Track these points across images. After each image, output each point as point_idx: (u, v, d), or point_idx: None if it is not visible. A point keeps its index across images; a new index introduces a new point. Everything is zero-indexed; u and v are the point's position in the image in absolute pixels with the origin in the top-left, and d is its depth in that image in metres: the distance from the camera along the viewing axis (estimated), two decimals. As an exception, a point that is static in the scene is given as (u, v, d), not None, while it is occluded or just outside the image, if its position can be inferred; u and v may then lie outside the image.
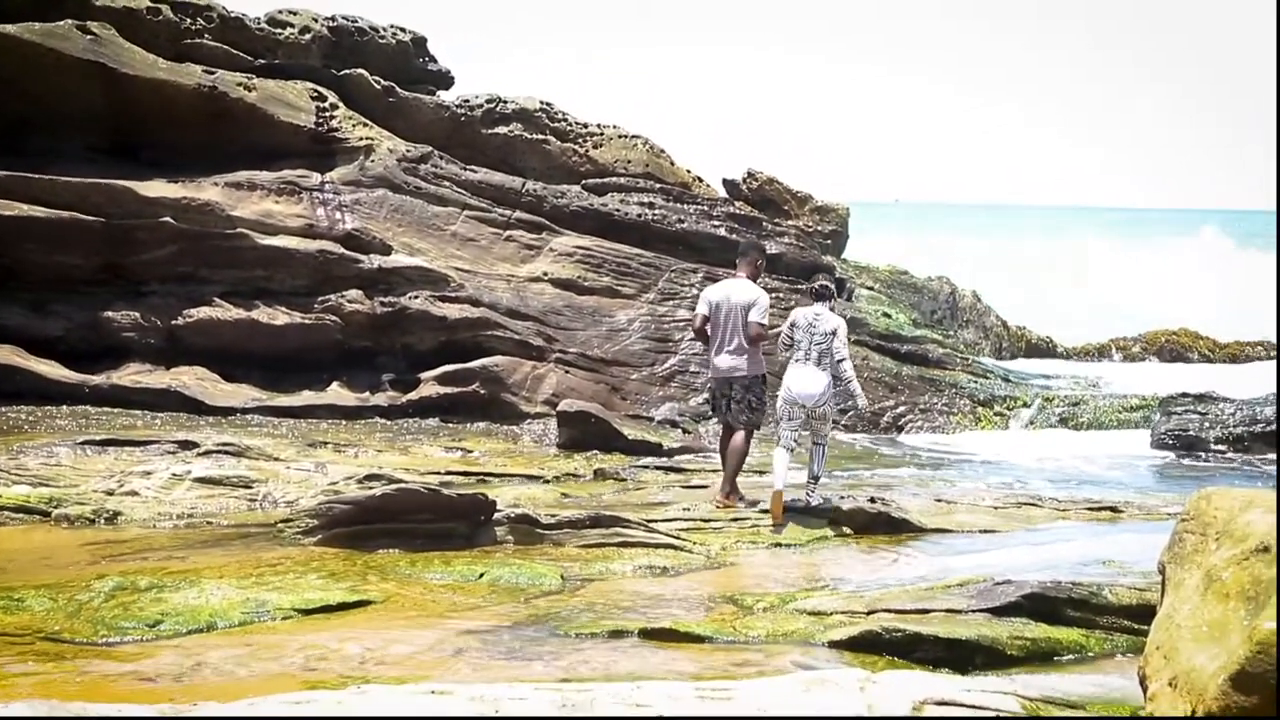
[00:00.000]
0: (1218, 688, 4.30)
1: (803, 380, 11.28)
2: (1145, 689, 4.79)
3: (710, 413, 14.09)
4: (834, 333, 11.29)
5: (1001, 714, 4.83)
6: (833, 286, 12.03)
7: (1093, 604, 7.17)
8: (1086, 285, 40.21)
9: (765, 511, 10.73)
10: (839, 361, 11.27)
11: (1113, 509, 11.45)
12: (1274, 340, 26.19)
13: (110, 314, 15.60)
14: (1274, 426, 15.99)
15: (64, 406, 14.59)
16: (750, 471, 12.67)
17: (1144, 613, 6.46)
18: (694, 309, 12.25)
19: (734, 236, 19.14)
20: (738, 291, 11.63)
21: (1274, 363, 24.67)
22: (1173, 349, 25.69)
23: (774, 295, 18.79)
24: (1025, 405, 18.63)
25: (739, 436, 11.66)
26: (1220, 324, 27.04)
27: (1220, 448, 15.97)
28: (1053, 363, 23.52)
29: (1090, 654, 6.78)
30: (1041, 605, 7.14)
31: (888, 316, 19.78)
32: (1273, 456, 15.57)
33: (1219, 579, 4.70)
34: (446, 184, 18.00)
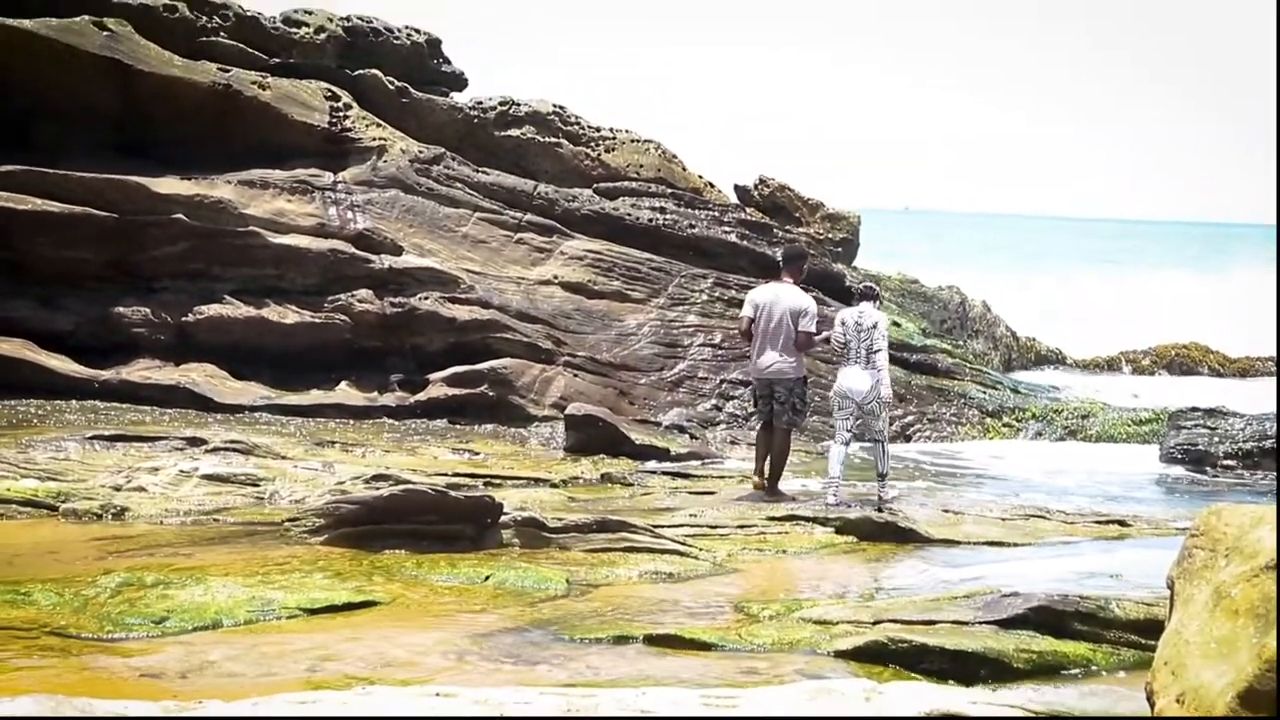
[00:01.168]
0: (1226, 705, 4.29)
1: (851, 378, 12.24)
2: (1152, 704, 4.78)
3: (751, 410, 14.79)
4: (875, 326, 12.21)
5: (1007, 727, 4.82)
6: (876, 288, 13.12)
7: (1100, 618, 7.15)
8: (1097, 297, 40.18)
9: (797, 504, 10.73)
10: (875, 353, 12.17)
11: (1121, 523, 11.44)
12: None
13: (121, 309, 15.62)
14: (1283, 442, 15.94)
15: (73, 401, 14.60)
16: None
17: (1152, 628, 6.43)
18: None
19: (744, 243, 19.15)
20: (787, 296, 12.32)
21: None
22: (1183, 363, 25.65)
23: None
24: (1034, 417, 18.59)
25: (781, 436, 12.42)
26: (1229, 337, 27.01)
27: (1230, 463, 15.91)
28: (1062, 374, 23.46)
29: (1097, 668, 6.77)
30: (1048, 618, 7.12)
31: (897, 325, 19.72)
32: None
33: (1228, 595, 4.68)
34: (458, 186, 18.02)
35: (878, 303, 12.68)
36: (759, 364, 12.47)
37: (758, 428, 13.08)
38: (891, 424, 17.28)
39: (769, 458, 12.46)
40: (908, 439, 17.48)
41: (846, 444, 12.27)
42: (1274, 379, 24.62)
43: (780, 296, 12.35)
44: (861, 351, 12.19)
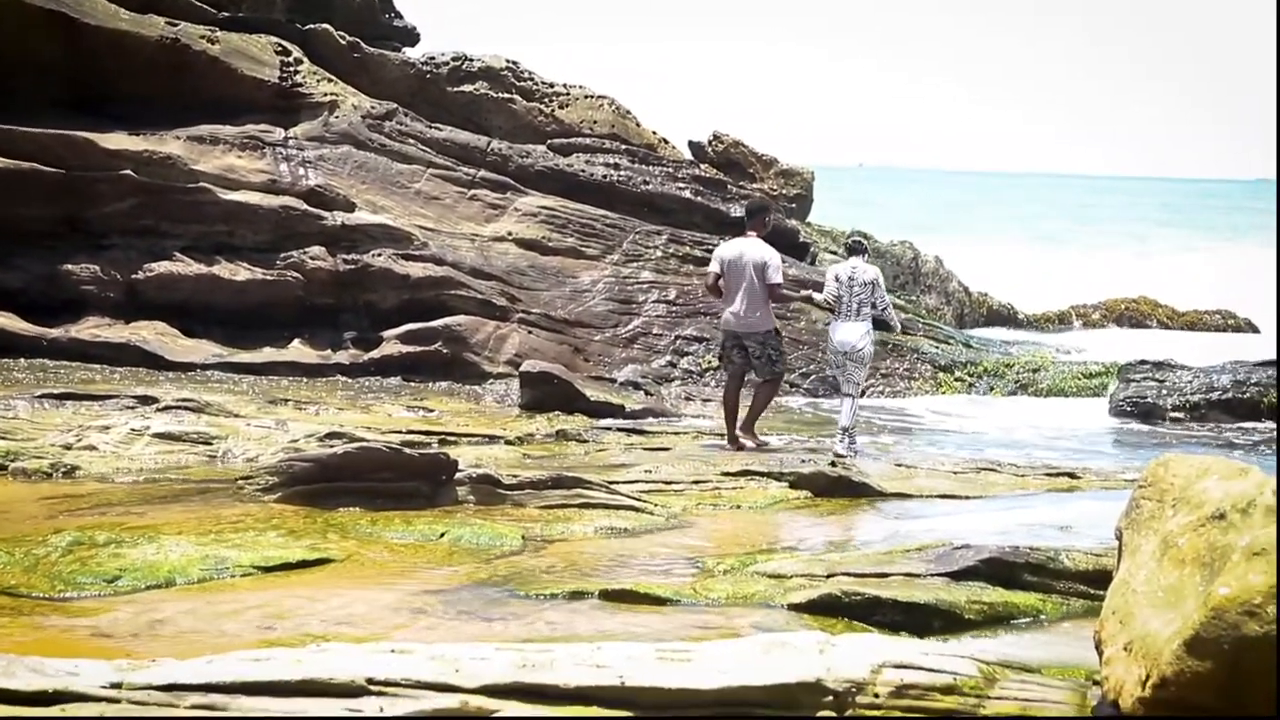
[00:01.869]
0: (1172, 652, 4.34)
1: (844, 330, 12.71)
2: (1100, 653, 4.83)
3: (718, 364, 15.21)
4: (873, 283, 12.69)
5: (959, 676, 4.86)
6: (864, 241, 13.69)
7: (1050, 569, 7.22)
8: (1049, 252, 40.43)
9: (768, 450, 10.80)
10: (884, 309, 12.80)
11: (1071, 475, 11.54)
12: (1231, 310, 26.45)
13: (70, 267, 15.48)
14: (1230, 395, 16.13)
15: (21, 360, 14.48)
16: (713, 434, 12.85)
17: (1100, 578, 6.50)
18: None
19: (699, 199, 19.14)
20: (751, 250, 12.62)
21: (1232, 333, 24.95)
22: (1132, 316, 25.90)
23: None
24: (986, 371, 18.72)
25: (764, 386, 12.96)
26: (1177, 291, 27.29)
27: (1178, 415, 16.09)
28: (1015, 332, 23.63)
29: (1046, 618, 6.84)
30: (999, 570, 7.18)
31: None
32: (1232, 424, 15.72)
33: (1175, 545, 4.73)
34: (411, 142, 17.91)
35: (866, 256, 13.09)
36: (726, 318, 12.81)
37: (726, 384, 13.37)
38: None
39: (750, 407, 12.94)
40: (862, 394, 17.56)
41: (853, 395, 12.66)
42: (1221, 334, 24.94)
43: (745, 251, 12.61)
44: (854, 305, 12.63)
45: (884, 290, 12.90)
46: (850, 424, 12.70)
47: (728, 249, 12.88)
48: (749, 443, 12.60)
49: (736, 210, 19.18)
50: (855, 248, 13.13)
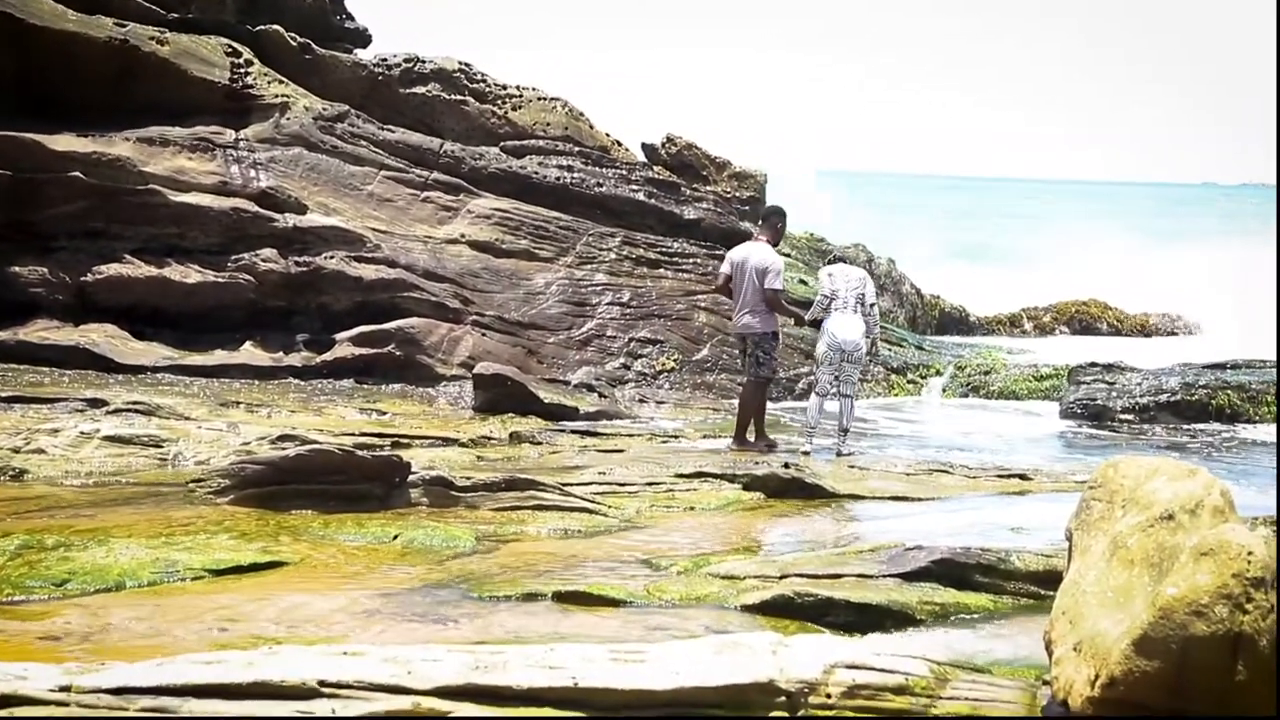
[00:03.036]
0: (1121, 652, 4.39)
1: (844, 326, 12.72)
2: (1050, 653, 4.88)
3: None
4: (865, 279, 12.94)
5: (910, 676, 4.90)
6: (845, 255, 14.37)
7: (1001, 570, 7.28)
8: (1001, 254, 40.68)
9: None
10: (871, 306, 12.88)
11: (1022, 477, 11.63)
12: (1178, 314, 26.72)
13: (17, 269, 15.31)
14: (1179, 397, 16.30)
15: (-32, 363, 14.31)
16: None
17: (1051, 579, 6.56)
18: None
19: (652, 201, 19.16)
20: (755, 254, 13.00)
21: (1186, 338, 25.20)
22: (1083, 319, 26.11)
23: (692, 260, 18.86)
24: (938, 373, 18.84)
25: (749, 387, 13.21)
26: (1126, 295, 27.53)
27: (1128, 417, 16.24)
28: (970, 338, 23.74)
29: (998, 619, 6.89)
30: (951, 571, 7.24)
31: (804, 284, 19.87)
32: (1180, 426, 15.88)
33: (1125, 545, 4.78)
34: (363, 144, 17.84)
35: (849, 264, 13.43)
36: (734, 321, 13.32)
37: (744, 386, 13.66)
38: (798, 381, 17.48)
39: (738, 411, 13.30)
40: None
41: (826, 395, 12.81)
42: (1171, 338, 25.20)
43: (750, 255, 12.99)
44: (850, 299, 12.78)
45: (874, 289, 13.15)
46: (849, 425, 12.94)
47: (736, 252, 13.28)
48: (750, 445, 12.81)
49: (690, 212, 19.24)
50: (840, 257, 13.56)
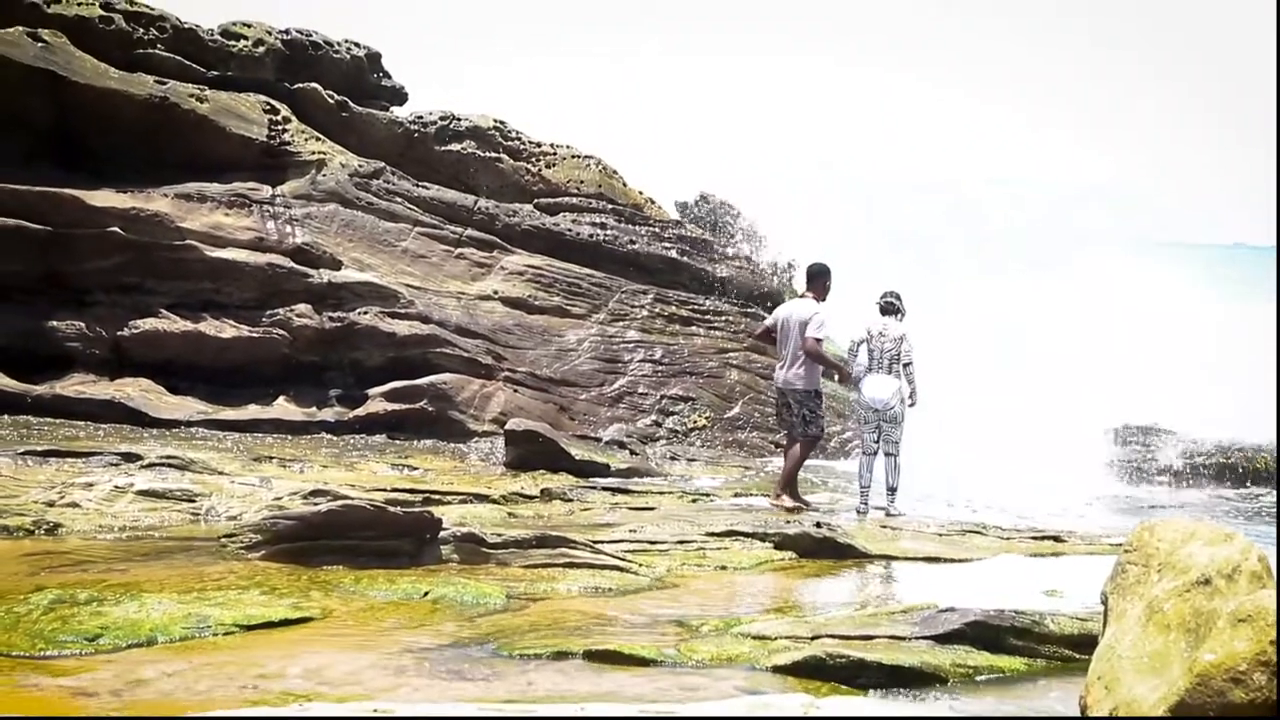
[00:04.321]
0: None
1: (874, 386, 12.79)
2: (1085, 719, 4.82)
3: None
4: (903, 338, 12.87)
5: (944, 741, 4.86)
6: (897, 302, 13.43)
7: (1035, 633, 7.21)
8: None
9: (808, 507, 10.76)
10: (906, 365, 12.80)
11: (1056, 538, 11.54)
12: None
13: (54, 323, 15.44)
14: (1215, 459, 16.20)
15: (5, 416, 14.40)
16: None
17: (1086, 642, 6.50)
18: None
19: (684, 259, 19.21)
20: (799, 309, 13.09)
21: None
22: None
23: (724, 318, 18.87)
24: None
25: (797, 446, 13.05)
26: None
27: (1163, 479, 16.14)
28: None
29: (1032, 683, 6.82)
30: (984, 633, 7.17)
31: (834, 343, 19.87)
32: (1218, 489, 15.76)
33: (1161, 610, 4.74)
34: (398, 200, 17.96)
35: (899, 316, 13.08)
36: (776, 376, 13.36)
37: (786, 441, 13.65)
38: (830, 439, 17.41)
39: (784, 467, 13.23)
40: (846, 455, 17.56)
41: (873, 454, 12.75)
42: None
43: (794, 311, 13.10)
44: (884, 360, 12.77)
45: (912, 347, 12.99)
46: (897, 484, 12.87)
47: (782, 309, 13.41)
48: (787, 501, 12.71)
49: (723, 270, 19.29)
50: (887, 309, 13.16)
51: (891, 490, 12.86)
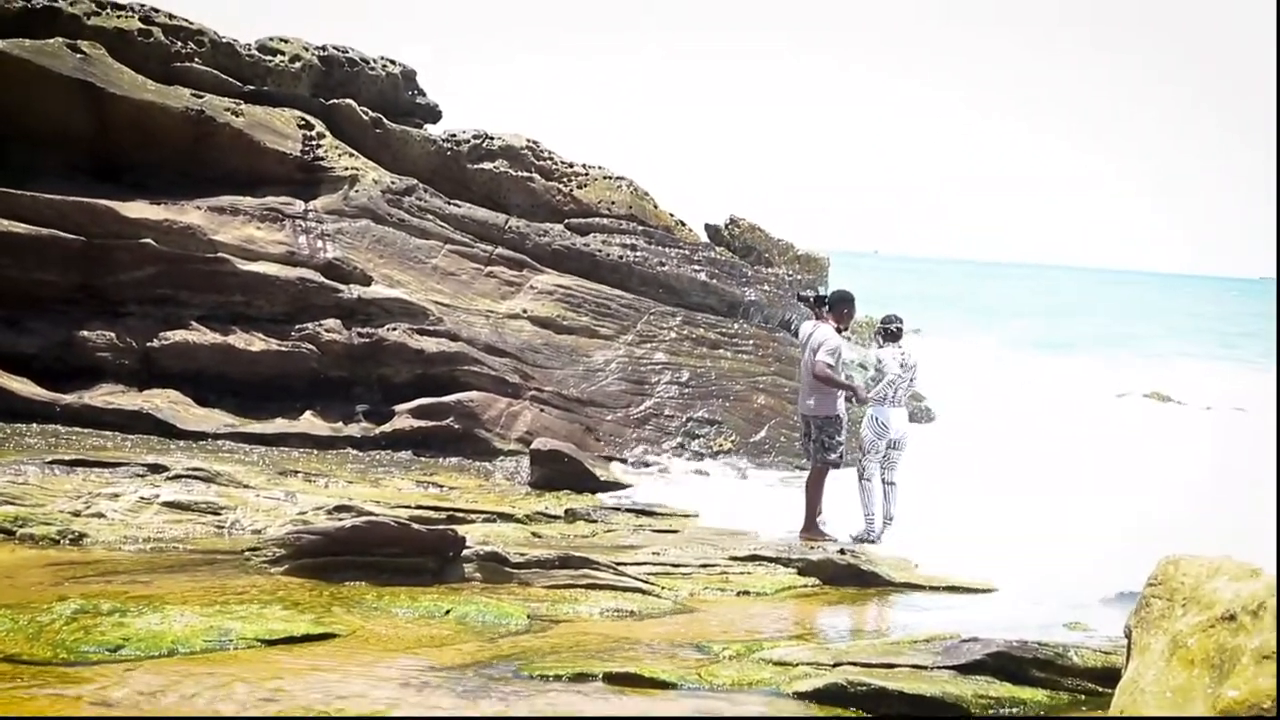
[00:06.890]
0: (1180, 755, 4.31)
1: (898, 417, 12.89)
2: (1108, 753, 4.79)
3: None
4: (915, 366, 13.06)
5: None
6: (903, 325, 13.51)
7: (1058, 665, 7.17)
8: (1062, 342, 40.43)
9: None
10: (911, 395, 13.24)
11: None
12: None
13: (85, 333, 15.51)
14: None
15: (34, 425, 14.47)
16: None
17: (1109, 676, 6.46)
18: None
19: (714, 282, 19.20)
20: (816, 335, 12.91)
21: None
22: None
23: (752, 342, 18.86)
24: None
25: (813, 473, 12.82)
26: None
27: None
28: None
29: (1054, 715, 6.78)
30: (1007, 664, 7.14)
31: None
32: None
33: (1184, 645, 4.71)
34: (430, 217, 18.02)
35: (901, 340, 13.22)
36: (799, 402, 13.37)
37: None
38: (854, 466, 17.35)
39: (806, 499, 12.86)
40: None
41: (872, 480, 12.86)
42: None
43: (811, 336, 12.92)
44: (903, 392, 12.95)
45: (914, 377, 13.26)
46: (894, 512, 12.85)
47: (802, 332, 13.37)
48: (817, 533, 12.56)
49: (751, 294, 19.28)
50: (896, 333, 13.08)
51: (888, 519, 12.82)
